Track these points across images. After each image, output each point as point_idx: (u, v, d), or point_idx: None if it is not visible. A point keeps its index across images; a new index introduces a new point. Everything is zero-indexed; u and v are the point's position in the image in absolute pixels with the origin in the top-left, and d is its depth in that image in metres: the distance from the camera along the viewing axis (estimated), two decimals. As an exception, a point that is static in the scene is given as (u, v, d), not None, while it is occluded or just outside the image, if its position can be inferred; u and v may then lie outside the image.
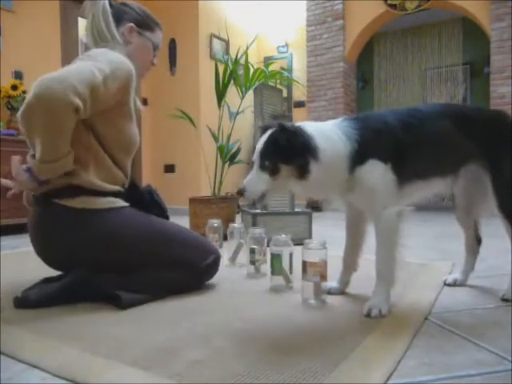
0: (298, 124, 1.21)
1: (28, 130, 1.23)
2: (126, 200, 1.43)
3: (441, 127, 1.29)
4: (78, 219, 1.32)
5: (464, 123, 1.31)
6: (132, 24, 1.51)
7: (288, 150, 1.13)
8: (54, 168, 1.25)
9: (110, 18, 1.47)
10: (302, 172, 1.14)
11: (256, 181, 1.16)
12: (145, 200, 1.48)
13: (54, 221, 1.33)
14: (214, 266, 1.49)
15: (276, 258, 1.50)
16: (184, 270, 1.41)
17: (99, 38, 1.46)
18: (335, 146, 1.18)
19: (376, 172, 1.20)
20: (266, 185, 1.16)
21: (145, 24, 1.55)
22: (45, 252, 1.40)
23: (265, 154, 1.16)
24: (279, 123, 1.19)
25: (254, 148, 1.22)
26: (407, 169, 1.25)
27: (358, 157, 1.20)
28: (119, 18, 1.51)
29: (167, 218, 1.52)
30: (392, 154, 1.22)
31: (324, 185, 1.23)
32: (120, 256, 1.34)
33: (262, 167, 1.16)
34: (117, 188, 1.42)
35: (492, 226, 1.52)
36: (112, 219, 1.34)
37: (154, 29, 1.58)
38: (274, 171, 1.15)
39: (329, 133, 1.20)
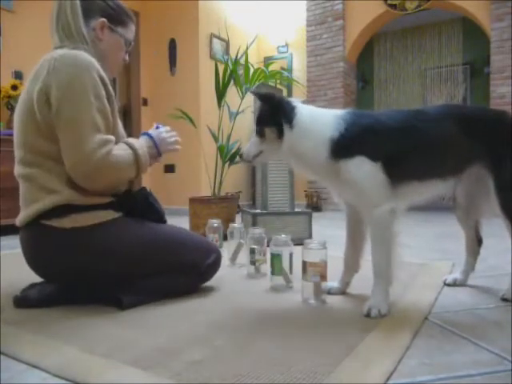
0: (294, 104, 1.31)
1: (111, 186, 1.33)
2: (121, 207, 1.35)
3: (442, 129, 1.28)
4: (70, 239, 1.26)
5: (466, 124, 1.30)
6: (104, 19, 1.38)
7: (268, 115, 1.30)
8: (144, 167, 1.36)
9: (79, 11, 1.34)
10: (279, 133, 1.28)
11: (250, 144, 1.35)
12: (140, 206, 1.40)
13: (46, 244, 1.29)
14: (215, 266, 1.48)
15: (276, 258, 1.50)
16: (185, 271, 1.40)
17: (64, 35, 1.33)
18: (316, 125, 1.26)
19: (363, 170, 1.21)
20: (256, 147, 1.34)
21: (117, 18, 1.42)
22: (39, 271, 1.37)
23: (256, 120, 1.34)
24: (265, 93, 1.36)
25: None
26: (402, 170, 1.25)
27: (342, 148, 1.22)
28: (89, 10, 1.36)
29: (164, 222, 1.47)
30: (384, 154, 1.22)
31: (300, 156, 1.29)
32: (118, 268, 1.31)
33: (256, 132, 1.34)
34: (106, 199, 1.32)
35: (492, 226, 1.52)
36: (105, 233, 1.29)
37: (126, 23, 1.46)
38: (261, 134, 1.32)
39: (318, 113, 1.31)
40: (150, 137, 1.43)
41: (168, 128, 1.49)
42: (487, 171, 1.32)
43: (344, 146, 1.22)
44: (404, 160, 1.25)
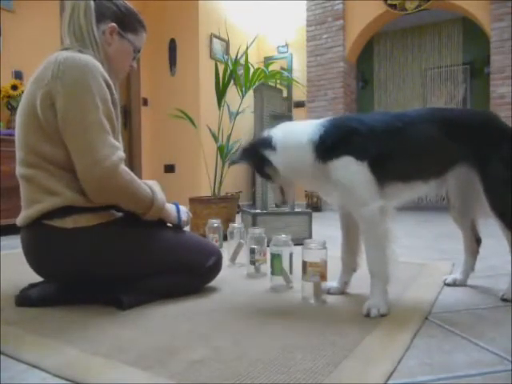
0: (267, 133, 1.36)
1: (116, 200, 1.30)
2: (122, 208, 1.34)
3: (424, 131, 1.29)
4: (71, 239, 1.26)
5: (450, 127, 1.30)
6: (114, 24, 1.38)
7: (257, 162, 1.36)
8: (158, 208, 1.35)
9: (93, 17, 1.34)
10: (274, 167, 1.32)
11: (273, 192, 1.45)
12: None
13: (47, 243, 1.28)
14: (215, 268, 1.48)
15: (276, 258, 1.50)
16: (186, 272, 1.39)
17: (75, 38, 1.33)
18: (293, 136, 1.31)
19: (350, 169, 1.23)
20: (276, 189, 1.42)
21: (128, 24, 1.42)
22: (40, 271, 1.36)
23: (256, 173, 1.44)
24: (241, 152, 1.41)
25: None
26: (387, 170, 1.26)
27: (327, 149, 1.25)
28: (101, 14, 1.36)
29: (165, 222, 1.45)
30: (369, 154, 1.23)
31: (296, 170, 1.32)
32: (118, 268, 1.31)
33: (265, 180, 1.43)
34: None
35: (491, 226, 1.52)
36: (106, 234, 1.29)
37: (137, 30, 1.46)
38: (268, 178, 1.39)
39: (293, 126, 1.38)
40: (176, 206, 1.48)
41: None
42: (475, 172, 1.31)
43: (328, 148, 1.25)
44: (388, 161, 1.26)
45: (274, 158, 1.30)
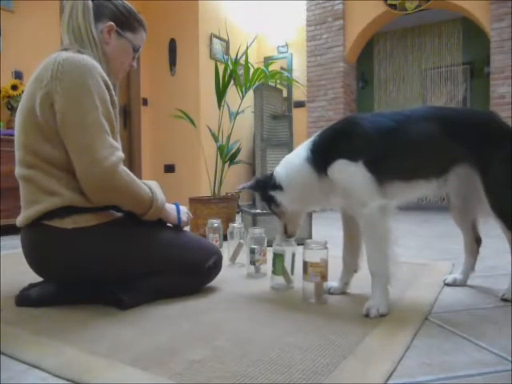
0: (273, 172, 1.42)
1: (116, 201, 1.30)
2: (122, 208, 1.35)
3: (423, 130, 1.28)
4: (71, 239, 1.26)
5: (451, 126, 1.30)
6: (112, 23, 1.37)
7: (265, 199, 1.45)
8: (158, 208, 1.35)
9: (91, 17, 1.34)
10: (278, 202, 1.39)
11: (279, 226, 1.50)
12: None
13: (47, 244, 1.28)
14: (215, 268, 1.48)
15: (278, 258, 1.50)
16: (186, 272, 1.39)
17: (74, 38, 1.34)
18: (296, 170, 1.35)
19: (345, 170, 1.25)
20: (280, 224, 1.49)
21: (127, 23, 1.42)
22: (40, 271, 1.36)
23: (268, 207, 1.48)
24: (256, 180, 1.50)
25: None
26: (385, 169, 1.26)
27: (321, 159, 1.30)
28: (99, 13, 1.36)
29: (165, 222, 1.46)
30: (362, 154, 1.24)
31: (311, 198, 1.39)
32: (118, 268, 1.31)
33: (276, 216, 1.48)
34: None
35: (491, 226, 1.52)
36: (105, 234, 1.29)
37: (136, 29, 1.45)
38: (279, 215, 1.46)
39: (293, 159, 1.40)
40: (176, 206, 1.48)
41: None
42: (476, 172, 1.31)
43: (322, 158, 1.29)
44: (385, 160, 1.26)
45: (281, 197, 1.37)
